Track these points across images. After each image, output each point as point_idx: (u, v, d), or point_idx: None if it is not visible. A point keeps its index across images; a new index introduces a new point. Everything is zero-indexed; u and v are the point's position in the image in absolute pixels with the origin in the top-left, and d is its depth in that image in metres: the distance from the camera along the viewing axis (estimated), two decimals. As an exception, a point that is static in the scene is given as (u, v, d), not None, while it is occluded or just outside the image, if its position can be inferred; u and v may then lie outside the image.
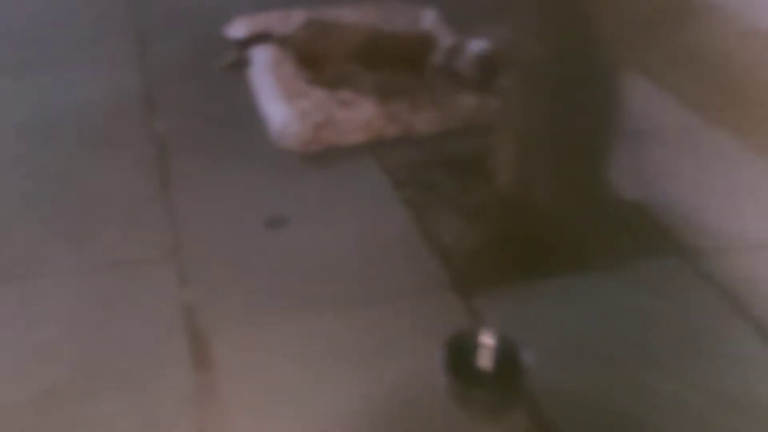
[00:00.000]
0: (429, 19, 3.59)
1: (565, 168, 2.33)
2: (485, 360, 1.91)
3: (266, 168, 2.74)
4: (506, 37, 2.53)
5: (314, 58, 3.18)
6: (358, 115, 2.92)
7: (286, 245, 2.39)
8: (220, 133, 2.94)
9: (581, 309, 2.26)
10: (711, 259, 2.38)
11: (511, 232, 2.40)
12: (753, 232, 2.49)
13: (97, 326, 2.02)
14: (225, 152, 2.82)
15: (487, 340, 1.91)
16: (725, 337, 2.12)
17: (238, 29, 3.54)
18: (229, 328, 2.06)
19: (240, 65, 3.33)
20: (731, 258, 2.39)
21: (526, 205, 2.39)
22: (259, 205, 2.56)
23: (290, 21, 3.60)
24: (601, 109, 2.29)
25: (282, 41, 3.30)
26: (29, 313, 2.05)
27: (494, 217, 2.47)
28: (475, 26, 3.82)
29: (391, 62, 3.11)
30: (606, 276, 2.36)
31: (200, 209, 2.54)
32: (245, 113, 3.04)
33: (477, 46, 3.11)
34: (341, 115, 2.92)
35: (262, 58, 3.31)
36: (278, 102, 2.99)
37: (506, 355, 1.92)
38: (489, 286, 2.30)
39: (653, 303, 2.24)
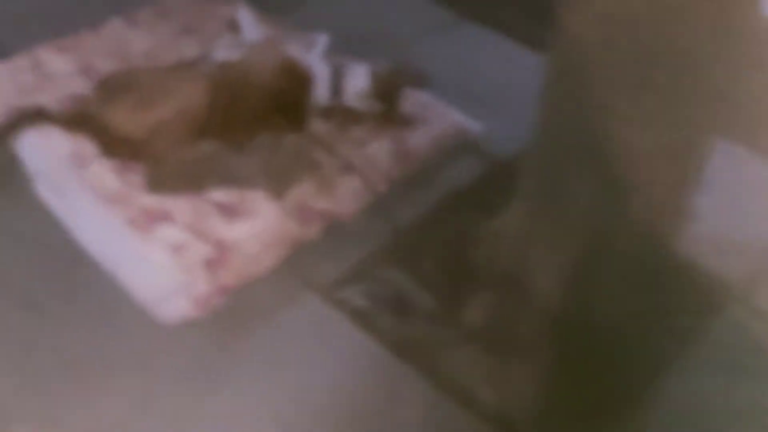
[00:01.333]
0: (247, 21, 2.55)
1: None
2: None
3: (159, 371, 1.70)
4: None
5: (132, 140, 2.03)
6: (260, 225, 1.93)
7: None
8: (51, 313, 1.79)
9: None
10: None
11: (568, 362, 1.71)
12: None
13: None
14: (83, 357, 1.71)
15: None
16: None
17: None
18: None
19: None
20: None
21: (580, 323, 1.69)
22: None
23: (52, 71, 2.34)
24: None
25: (68, 119, 2.08)
26: None
27: (536, 344, 1.74)
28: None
29: (257, 121, 2.09)
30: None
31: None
32: (59, 268, 1.89)
33: (362, 69, 2.20)
34: (234, 233, 1.91)
35: (43, 157, 2.08)
36: (123, 244, 1.88)
37: None
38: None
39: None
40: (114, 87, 2.05)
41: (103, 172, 2.01)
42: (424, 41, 2.84)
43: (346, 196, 2.04)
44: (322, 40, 2.51)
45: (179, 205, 1.93)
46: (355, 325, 1.84)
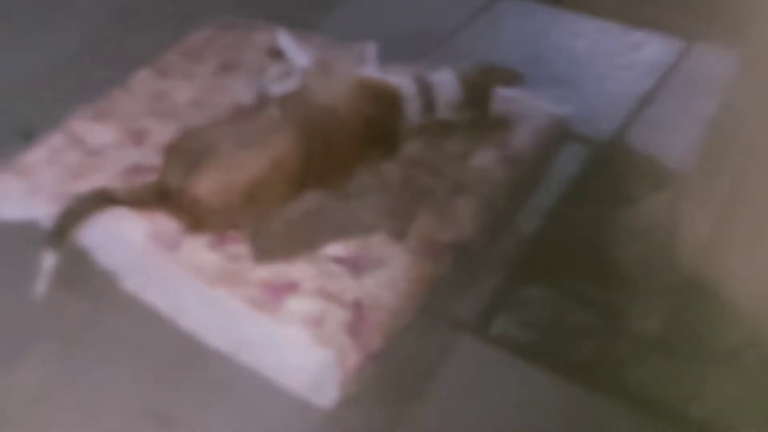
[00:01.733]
0: (289, 45, 2.33)
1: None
2: None
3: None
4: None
5: (226, 209, 1.81)
6: (391, 273, 1.73)
7: None
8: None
9: None
10: None
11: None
12: None
13: None
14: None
15: None
16: None
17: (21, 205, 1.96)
18: None
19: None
20: None
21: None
22: None
23: (97, 144, 2.09)
24: None
25: (141, 197, 1.84)
26: None
27: (738, 349, 1.57)
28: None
29: (354, 157, 1.89)
30: None
31: None
32: (180, 369, 1.68)
33: (449, 77, 1.99)
34: (367, 288, 1.71)
35: (121, 246, 1.86)
36: (252, 329, 1.66)
37: None
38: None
39: None
40: (188, 153, 1.81)
41: (199, 250, 1.80)
42: (468, 28, 2.64)
43: (466, 219, 1.86)
44: (370, 50, 2.31)
45: (300, 270, 1.73)
46: (524, 361, 1.67)
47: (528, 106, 2.12)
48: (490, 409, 1.60)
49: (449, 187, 1.90)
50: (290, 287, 1.70)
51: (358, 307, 1.67)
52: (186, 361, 1.71)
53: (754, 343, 1.55)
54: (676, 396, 1.57)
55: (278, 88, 2.14)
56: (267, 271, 1.74)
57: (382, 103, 1.91)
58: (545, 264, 1.84)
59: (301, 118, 1.86)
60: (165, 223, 1.85)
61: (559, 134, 2.10)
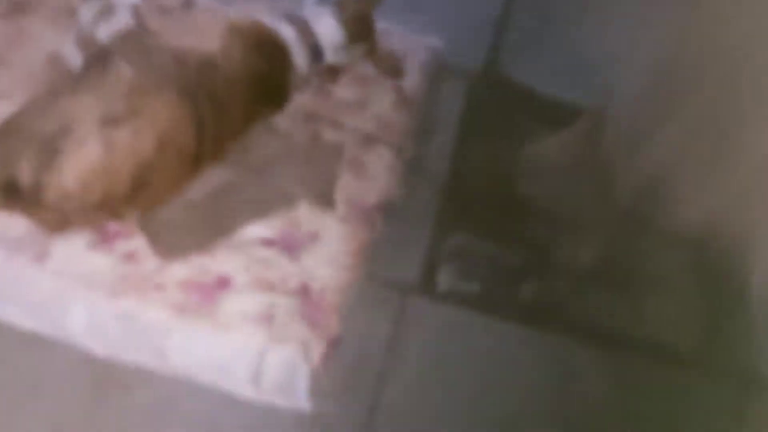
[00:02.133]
0: None
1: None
2: None
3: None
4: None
5: (108, 201, 1.40)
6: (327, 247, 1.49)
7: None
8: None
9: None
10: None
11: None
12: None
13: None
14: None
15: None
16: None
17: None
18: None
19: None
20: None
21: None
22: None
23: None
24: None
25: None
26: None
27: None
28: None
29: (244, 119, 1.57)
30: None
31: None
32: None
33: (325, 15, 1.72)
34: (309, 268, 1.45)
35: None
36: (187, 341, 1.34)
37: None
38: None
39: None
40: (35, 136, 1.35)
41: (80, 254, 1.40)
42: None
43: (382, 172, 1.69)
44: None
45: (226, 261, 1.42)
46: (476, 312, 1.61)
47: (403, 40, 1.96)
48: (458, 370, 1.53)
49: (356, 140, 1.71)
50: (221, 284, 1.41)
51: (306, 292, 1.45)
52: (103, 387, 1.35)
53: (692, 268, 1.66)
54: (620, 323, 1.64)
55: (107, 32, 1.72)
56: (184, 269, 1.41)
57: (268, 52, 1.61)
58: (466, 208, 1.77)
59: (174, 74, 1.50)
60: (15, 225, 1.42)
61: (439, 68, 2.00)
